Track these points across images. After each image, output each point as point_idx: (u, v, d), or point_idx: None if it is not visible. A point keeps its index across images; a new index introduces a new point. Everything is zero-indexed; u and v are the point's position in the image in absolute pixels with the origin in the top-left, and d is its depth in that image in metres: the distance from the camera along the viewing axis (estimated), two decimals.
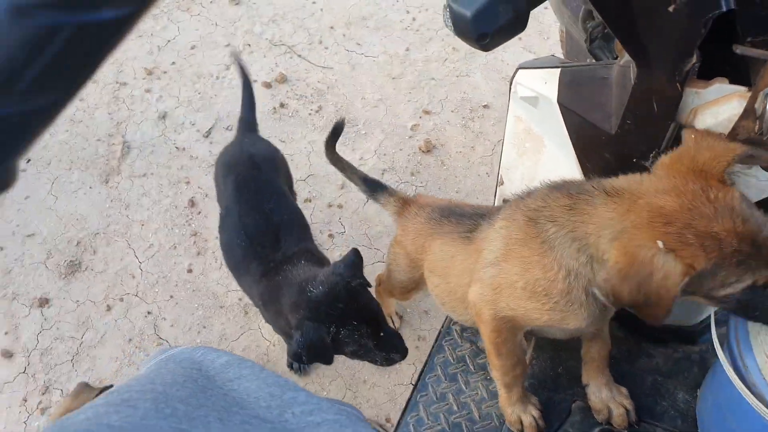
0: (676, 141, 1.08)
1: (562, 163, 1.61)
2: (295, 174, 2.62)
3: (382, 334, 1.54)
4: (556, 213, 1.12)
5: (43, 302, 2.36)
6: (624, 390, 1.46)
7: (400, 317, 2.25)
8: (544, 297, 1.16)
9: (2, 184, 0.48)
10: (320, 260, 1.80)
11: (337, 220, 2.55)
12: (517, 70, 1.58)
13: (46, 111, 0.46)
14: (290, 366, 2.12)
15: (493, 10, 1.08)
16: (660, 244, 0.92)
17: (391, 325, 1.94)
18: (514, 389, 1.42)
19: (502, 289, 1.25)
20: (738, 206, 0.92)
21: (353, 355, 1.57)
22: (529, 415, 1.44)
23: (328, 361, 1.49)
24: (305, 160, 2.74)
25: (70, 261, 2.47)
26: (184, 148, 2.83)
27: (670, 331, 1.56)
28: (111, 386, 1.83)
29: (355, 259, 1.57)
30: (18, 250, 2.52)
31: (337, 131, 1.86)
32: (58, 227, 2.59)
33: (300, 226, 1.87)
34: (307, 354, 1.44)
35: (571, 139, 1.44)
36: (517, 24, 1.11)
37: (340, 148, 1.91)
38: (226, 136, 2.83)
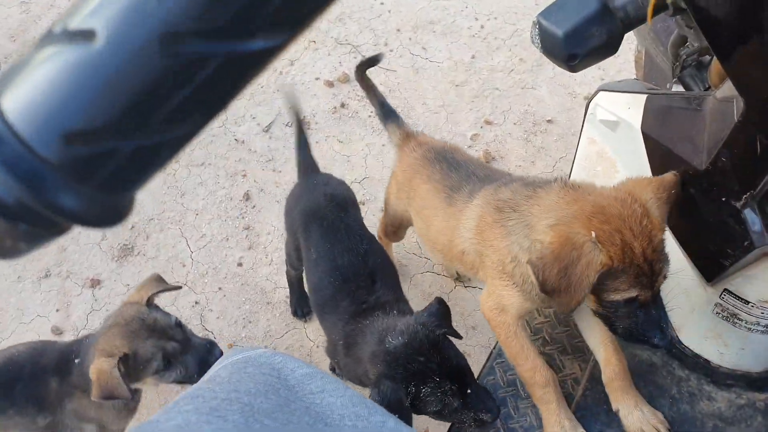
0: None
1: None
2: (351, 176, 2.60)
3: (469, 391, 1.38)
4: (519, 203, 1.28)
5: (95, 283, 2.41)
6: (659, 413, 1.41)
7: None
8: (505, 277, 1.33)
9: (123, 213, 0.46)
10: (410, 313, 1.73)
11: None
12: (598, 91, 1.52)
13: (177, 141, 0.43)
14: (333, 369, 2.09)
15: (587, 31, 1.03)
16: (593, 234, 1.10)
17: None
18: (551, 406, 1.40)
19: (484, 269, 1.42)
20: (657, 240, 1.14)
21: (437, 415, 1.42)
22: None
23: (408, 422, 1.35)
24: (362, 162, 2.72)
25: (124, 244, 2.52)
26: (243, 141, 2.84)
27: (736, 377, 1.48)
28: (180, 287, 1.94)
29: (440, 308, 1.46)
30: (75, 229, 2.58)
31: (374, 60, 1.97)
32: None
33: (393, 274, 1.81)
34: None
35: (651, 170, 1.37)
36: (609, 47, 1.07)
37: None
38: (285, 132, 2.83)
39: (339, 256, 1.71)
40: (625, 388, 1.41)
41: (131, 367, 1.50)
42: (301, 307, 2.25)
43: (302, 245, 1.83)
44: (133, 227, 2.57)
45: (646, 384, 1.52)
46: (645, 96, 1.32)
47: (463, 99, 2.92)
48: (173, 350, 1.56)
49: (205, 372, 1.64)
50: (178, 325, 1.62)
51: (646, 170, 1.40)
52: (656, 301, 1.21)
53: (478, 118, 2.83)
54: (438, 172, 1.64)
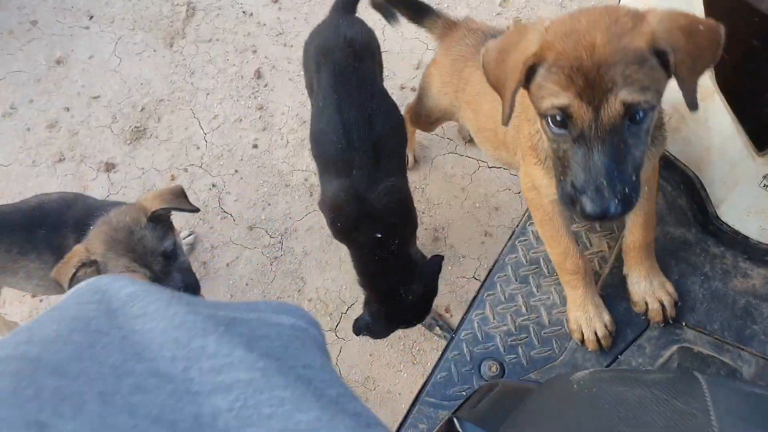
0: None
1: None
2: None
3: None
4: None
5: (110, 167, 2.36)
6: (669, 285, 1.36)
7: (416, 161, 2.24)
8: (534, 153, 1.22)
9: None
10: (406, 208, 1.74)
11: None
12: None
13: None
14: None
15: None
16: (546, 23, 0.95)
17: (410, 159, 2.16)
18: (578, 291, 1.36)
19: (522, 147, 1.32)
20: (618, 43, 0.89)
21: None
22: (591, 329, 1.34)
23: None
24: (379, 35, 2.52)
25: (135, 127, 2.44)
26: (251, 14, 2.65)
27: None
28: (198, 209, 1.78)
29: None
30: (84, 112, 2.50)
31: None
32: (122, 90, 2.53)
33: (400, 144, 1.75)
34: None
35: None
36: None
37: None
38: (296, 3, 2.62)
39: (346, 110, 1.61)
40: (642, 258, 1.35)
41: (97, 272, 1.46)
42: None
43: (314, 85, 1.73)
44: (143, 109, 2.48)
45: (677, 262, 1.47)
46: None
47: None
48: (141, 276, 1.50)
49: None
50: (163, 254, 1.53)
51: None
52: (604, 140, 0.92)
53: None
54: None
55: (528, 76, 0.96)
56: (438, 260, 1.70)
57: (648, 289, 1.35)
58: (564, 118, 0.93)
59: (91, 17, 2.73)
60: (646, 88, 0.89)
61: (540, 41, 0.93)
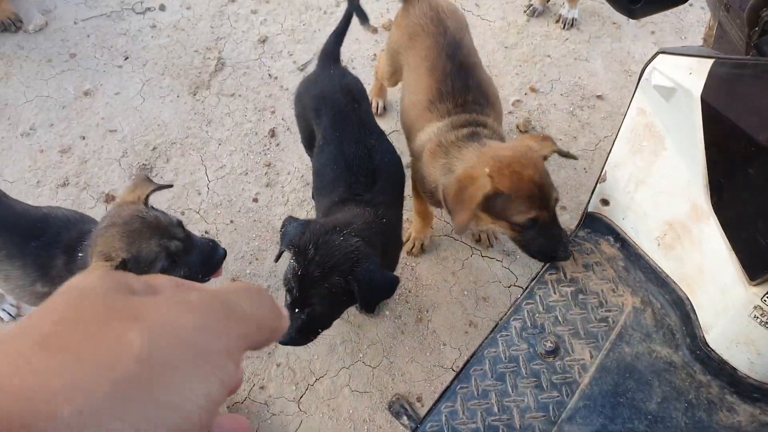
0: None
1: (681, 170, 1.39)
2: (384, 126, 2.49)
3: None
4: (451, 150, 1.67)
5: (110, 198, 2.37)
6: None
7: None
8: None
9: None
10: (392, 230, 1.75)
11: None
12: (658, 54, 1.36)
13: None
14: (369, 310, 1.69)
15: None
16: (487, 170, 1.50)
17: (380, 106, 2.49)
18: (418, 223, 2.13)
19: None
20: (542, 169, 1.53)
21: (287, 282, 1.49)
22: (419, 242, 2.18)
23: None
24: (393, 116, 2.59)
25: (143, 164, 2.47)
26: (276, 77, 2.74)
27: (764, 392, 1.35)
28: (171, 185, 1.84)
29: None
30: (98, 143, 2.55)
31: None
32: (139, 128, 2.59)
33: (399, 179, 1.83)
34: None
35: (706, 143, 1.22)
36: None
37: None
38: None
39: (346, 145, 1.72)
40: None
41: (133, 269, 1.43)
42: None
43: (315, 131, 1.84)
44: (155, 148, 2.52)
45: (661, 383, 1.40)
46: (711, 61, 1.16)
47: (511, 62, 2.75)
48: (177, 249, 1.50)
49: (210, 271, 1.60)
50: (179, 224, 1.56)
51: (697, 148, 1.25)
52: (555, 223, 1.57)
53: (524, 83, 2.66)
54: (437, 38, 1.85)
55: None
56: (394, 281, 1.54)
57: None
58: (531, 221, 1.54)
59: (126, 58, 2.84)
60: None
61: (491, 183, 1.48)
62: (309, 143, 1.96)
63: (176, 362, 0.27)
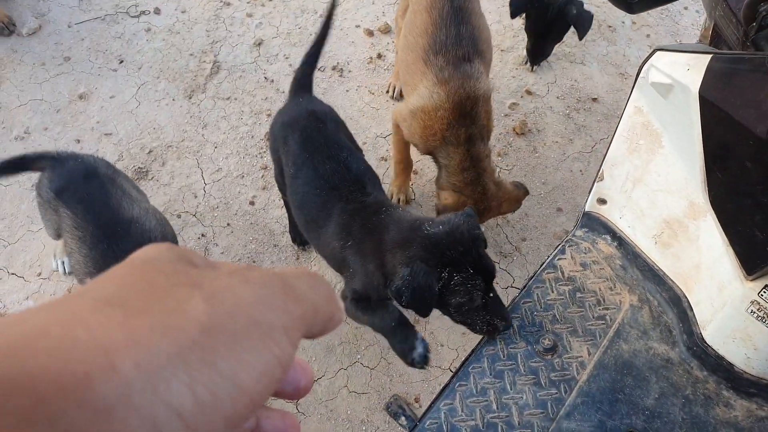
0: None
1: (678, 168, 1.40)
2: (377, 129, 2.50)
3: (491, 295, 1.41)
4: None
5: None
6: None
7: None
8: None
9: None
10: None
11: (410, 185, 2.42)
12: (655, 51, 1.37)
13: None
14: (411, 362, 1.56)
15: None
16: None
17: None
18: (399, 179, 2.28)
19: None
20: (497, 202, 1.91)
21: (456, 310, 1.41)
22: (400, 196, 2.32)
23: (426, 311, 1.36)
24: (390, 116, 2.60)
25: (139, 167, 2.46)
26: (272, 80, 2.75)
27: (760, 386, 1.35)
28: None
29: (472, 212, 1.45)
30: (93, 146, 2.54)
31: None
32: (134, 132, 2.58)
33: (378, 183, 1.74)
34: (411, 296, 1.32)
35: (704, 139, 1.23)
36: None
37: None
38: (316, 77, 2.72)
39: (320, 165, 1.63)
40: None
41: None
42: (299, 235, 2.17)
43: (283, 162, 1.75)
44: (150, 152, 2.51)
45: (658, 379, 1.41)
46: (709, 57, 1.17)
47: (507, 65, 2.76)
48: None
49: None
50: None
51: (694, 144, 1.26)
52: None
53: (520, 86, 2.68)
54: (438, 7, 1.89)
55: None
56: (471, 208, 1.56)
57: None
58: None
59: (121, 61, 2.84)
60: None
61: (459, 200, 1.85)
62: (283, 177, 1.85)
63: (235, 332, 0.27)
